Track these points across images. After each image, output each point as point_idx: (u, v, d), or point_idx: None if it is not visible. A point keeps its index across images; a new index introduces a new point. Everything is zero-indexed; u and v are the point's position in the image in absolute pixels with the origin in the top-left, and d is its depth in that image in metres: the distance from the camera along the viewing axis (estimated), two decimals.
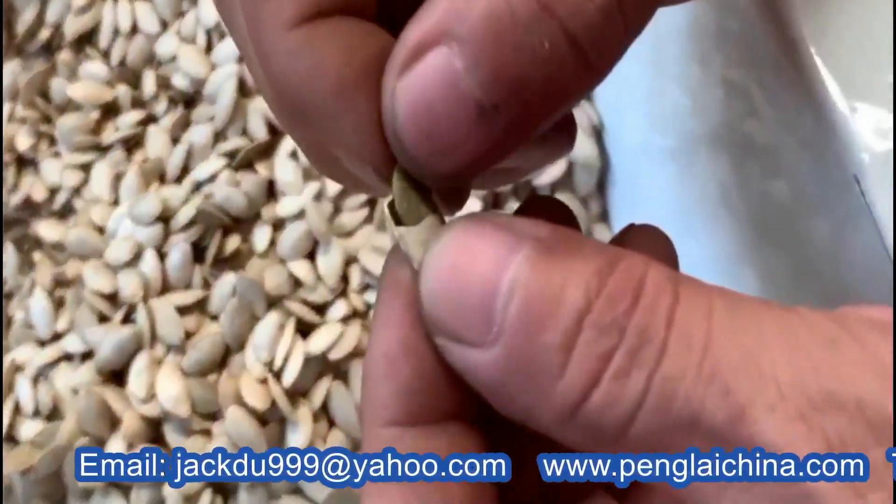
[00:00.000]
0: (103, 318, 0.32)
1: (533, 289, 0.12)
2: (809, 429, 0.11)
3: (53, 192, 0.36)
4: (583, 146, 0.33)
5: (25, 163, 0.37)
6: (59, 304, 0.34)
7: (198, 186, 0.34)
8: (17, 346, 0.33)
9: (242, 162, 0.34)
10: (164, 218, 0.33)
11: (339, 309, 0.32)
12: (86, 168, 0.36)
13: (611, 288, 0.12)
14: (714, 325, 0.12)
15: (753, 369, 0.11)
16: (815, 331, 0.11)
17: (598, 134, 0.33)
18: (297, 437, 0.30)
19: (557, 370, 0.12)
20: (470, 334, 0.12)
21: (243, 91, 0.35)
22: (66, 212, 0.36)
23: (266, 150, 0.34)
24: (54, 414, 0.31)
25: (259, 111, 0.35)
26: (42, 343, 0.33)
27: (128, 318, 0.32)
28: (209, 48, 0.36)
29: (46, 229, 0.35)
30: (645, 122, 0.30)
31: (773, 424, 0.11)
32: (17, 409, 0.31)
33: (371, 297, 0.32)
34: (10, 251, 0.36)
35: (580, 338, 0.12)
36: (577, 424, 0.12)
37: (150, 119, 0.36)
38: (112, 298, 0.32)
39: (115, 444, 0.30)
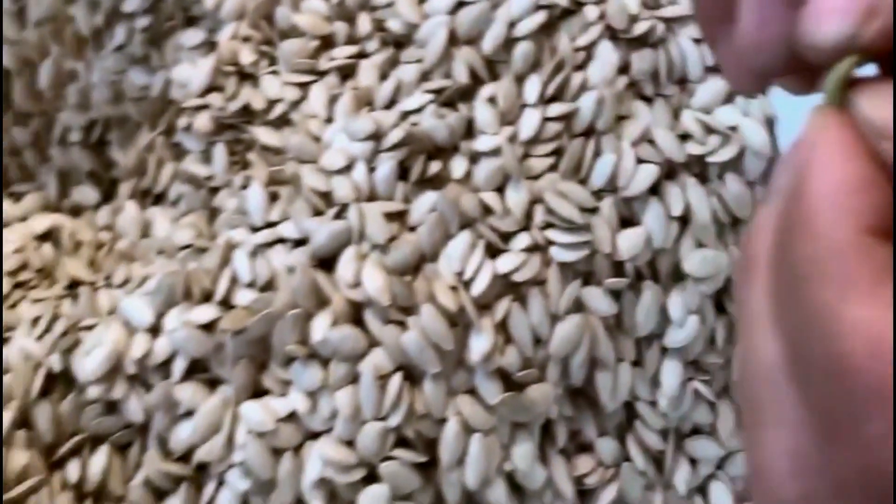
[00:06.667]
0: (317, 213, 0.33)
1: None
2: None
3: (272, 103, 0.37)
4: (756, 134, 0.33)
5: (246, 76, 0.38)
6: (272, 199, 0.34)
7: (405, 116, 0.35)
8: (229, 229, 0.34)
9: (446, 100, 0.35)
10: (376, 137, 0.34)
11: (523, 240, 0.32)
12: (303, 87, 0.37)
13: None
14: None
15: None
16: None
17: (770, 125, 0.34)
18: (481, 342, 0.30)
19: None
20: None
21: (452, 40, 0.36)
22: (281, 122, 0.36)
23: (467, 94, 0.35)
24: (268, 287, 0.32)
25: (464, 59, 0.35)
26: (255, 229, 0.34)
27: (339, 217, 0.33)
28: (422, 1, 0.37)
29: (264, 134, 0.36)
30: None
31: None
32: (233, 280, 0.32)
33: (551, 234, 0.32)
34: (220, 151, 0.37)
35: None
36: None
37: (362, 55, 0.37)
38: (325, 197, 0.33)
39: (322, 319, 0.31)
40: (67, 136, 0.40)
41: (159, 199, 0.38)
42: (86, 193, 0.39)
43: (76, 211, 0.39)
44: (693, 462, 0.33)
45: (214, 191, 0.37)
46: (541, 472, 0.31)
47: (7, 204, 0.38)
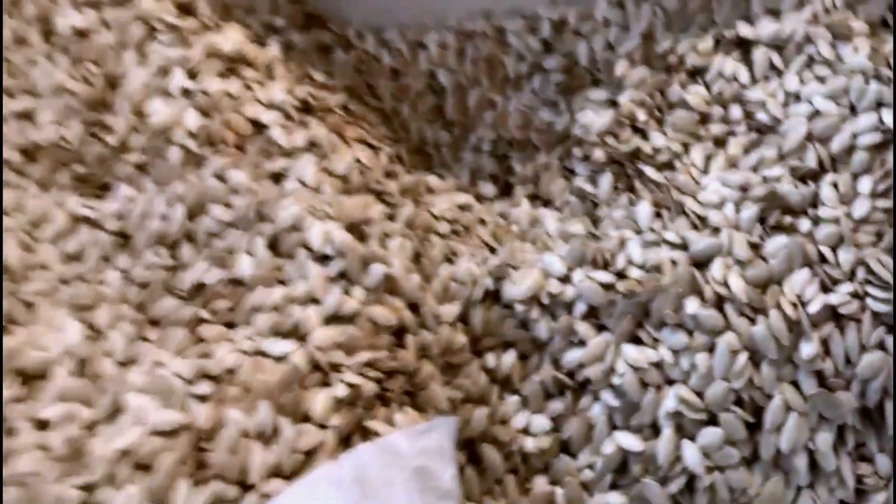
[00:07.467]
0: (694, 229, 0.44)
1: None
2: None
3: (657, 151, 0.48)
4: None
5: (637, 129, 0.50)
6: (655, 215, 0.46)
7: (766, 180, 0.46)
8: (615, 231, 0.46)
9: (799, 176, 0.46)
10: (743, 188, 0.45)
11: (847, 287, 0.42)
12: (685, 145, 0.48)
13: None
14: None
15: None
16: None
17: None
18: (808, 347, 0.40)
19: None
20: None
21: (808, 137, 0.47)
22: (664, 166, 0.48)
23: (815, 176, 0.46)
24: (654, 270, 0.42)
25: (815, 152, 0.46)
26: (640, 233, 0.45)
27: (713, 235, 0.43)
28: (785, 104, 0.49)
29: (650, 171, 0.47)
30: None
31: None
32: (627, 261, 0.43)
33: (869, 289, 0.42)
34: (607, 177, 0.49)
35: None
36: None
37: (731, 133, 0.49)
38: (702, 220, 0.44)
39: (694, 301, 0.41)
40: (480, 145, 0.53)
41: (546, 203, 0.50)
42: (487, 188, 0.52)
43: (479, 198, 0.51)
44: None
45: (595, 205, 0.48)
46: (833, 459, 0.40)
47: (434, 178, 0.51)
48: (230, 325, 0.39)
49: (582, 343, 0.41)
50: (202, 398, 0.34)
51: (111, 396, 0.34)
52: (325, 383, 0.36)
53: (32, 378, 0.36)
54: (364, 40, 0.55)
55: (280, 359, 0.36)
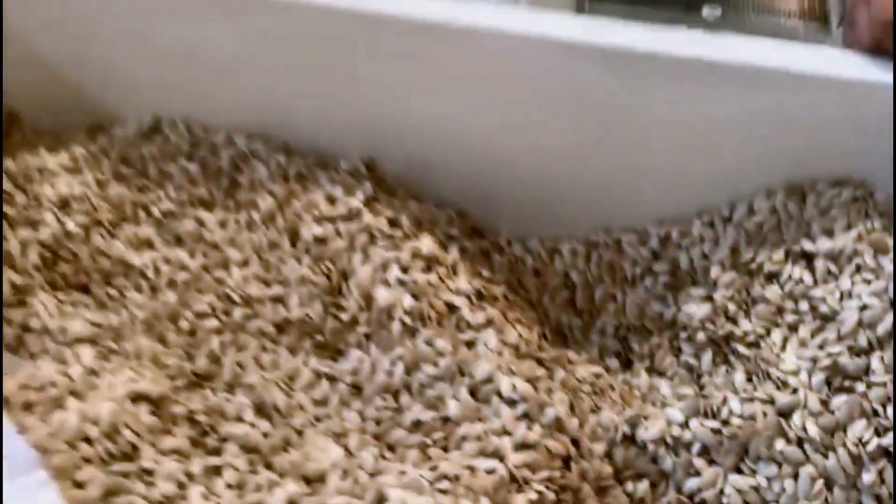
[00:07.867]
0: (777, 389, 0.59)
1: None
2: None
3: (745, 333, 0.64)
4: None
5: (729, 318, 0.66)
6: (748, 379, 0.61)
7: (830, 354, 0.61)
8: (716, 390, 0.61)
9: (854, 352, 0.61)
10: (813, 361, 0.60)
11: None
12: (767, 329, 0.64)
13: None
14: None
15: None
16: None
17: None
18: (869, 476, 0.54)
19: None
20: None
21: (859, 323, 0.62)
22: (751, 345, 0.64)
23: (866, 352, 0.61)
24: (749, 419, 0.57)
25: (866, 335, 0.61)
26: (736, 393, 0.60)
27: (791, 394, 0.58)
28: (841, 300, 0.64)
29: (741, 348, 0.63)
30: None
31: None
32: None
33: None
34: (707, 354, 0.65)
35: None
36: None
37: (801, 321, 0.65)
38: (784, 383, 0.59)
39: (781, 441, 0.56)
40: (605, 328, 0.70)
41: (660, 374, 0.66)
42: (613, 362, 0.68)
43: (607, 370, 0.67)
44: None
45: (699, 376, 0.64)
46: None
47: (571, 353, 0.67)
48: (445, 450, 0.54)
49: (698, 473, 0.56)
50: (443, 492, 0.49)
51: (375, 491, 0.50)
52: (521, 490, 0.51)
53: (313, 481, 0.51)
54: (512, 247, 0.73)
55: (489, 471, 0.51)
